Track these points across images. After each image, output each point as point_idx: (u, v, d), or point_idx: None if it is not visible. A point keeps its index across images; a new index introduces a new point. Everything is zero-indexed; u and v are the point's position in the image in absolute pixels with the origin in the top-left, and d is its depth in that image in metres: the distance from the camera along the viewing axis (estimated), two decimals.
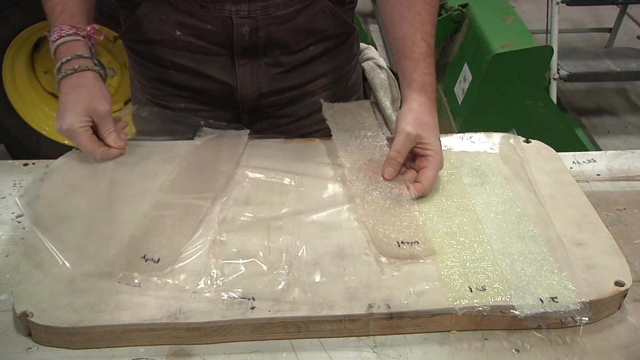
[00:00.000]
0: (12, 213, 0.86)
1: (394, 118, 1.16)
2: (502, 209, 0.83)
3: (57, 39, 0.89)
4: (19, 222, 0.84)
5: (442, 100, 2.49)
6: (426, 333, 0.70)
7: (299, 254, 0.75)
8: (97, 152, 0.88)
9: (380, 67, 1.20)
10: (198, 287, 0.70)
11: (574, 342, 0.70)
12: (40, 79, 2.49)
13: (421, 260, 0.75)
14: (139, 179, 0.87)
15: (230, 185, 0.86)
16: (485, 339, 0.70)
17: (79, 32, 0.90)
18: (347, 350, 0.69)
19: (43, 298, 0.69)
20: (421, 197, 0.84)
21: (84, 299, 0.69)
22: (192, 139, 0.96)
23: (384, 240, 0.77)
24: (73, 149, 0.92)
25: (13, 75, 2.38)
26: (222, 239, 0.77)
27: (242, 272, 0.73)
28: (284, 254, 0.75)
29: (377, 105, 1.20)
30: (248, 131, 0.96)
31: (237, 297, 0.69)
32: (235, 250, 0.76)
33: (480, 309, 0.69)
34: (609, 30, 3.32)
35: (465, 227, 0.80)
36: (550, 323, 0.70)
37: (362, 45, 1.19)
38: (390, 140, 0.89)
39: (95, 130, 0.89)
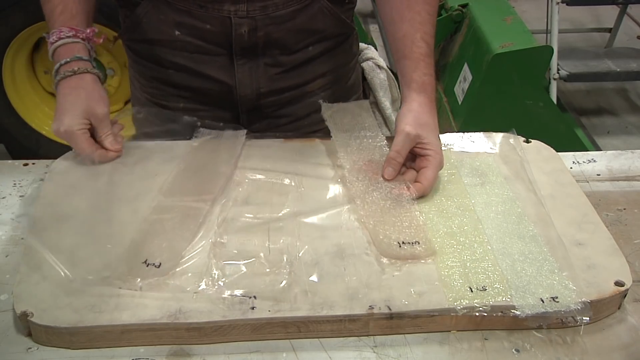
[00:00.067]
0: (12, 213, 0.86)
1: (393, 118, 1.16)
2: (502, 209, 0.83)
3: (56, 41, 0.88)
4: (19, 222, 0.84)
5: (442, 100, 2.49)
6: (426, 333, 0.70)
7: (300, 254, 0.75)
8: (95, 155, 0.88)
9: (379, 67, 1.20)
10: (200, 288, 0.70)
11: (575, 342, 0.70)
12: (40, 79, 2.49)
13: (422, 261, 0.75)
14: (139, 180, 0.87)
15: (230, 186, 0.86)
16: (486, 339, 0.70)
17: (78, 34, 0.89)
18: (347, 350, 0.69)
19: (43, 298, 0.69)
20: (421, 197, 0.84)
21: (84, 299, 0.69)
22: (191, 139, 0.96)
23: (384, 241, 0.77)
24: (73, 149, 0.92)
25: (13, 75, 2.38)
26: (222, 240, 0.77)
27: (243, 272, 0.73)
28: (285, 255, 0.75)
29: (376, 106, 1.20)
30: (245, 131, 0.96)
31: (238, 296, 0.69)
32: (235, 251, 0.76)
33: (480, 309, 0.69)
34: (609, 30, 3.32)
35: (466, 227, 0.80)
36: (551, 323, 0.70)
37: (362, 45, 1.19)
38: (390, 140, 0.89)
39: (92, 132, 0.89)
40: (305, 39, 1.00)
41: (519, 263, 0.74)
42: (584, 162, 1.01)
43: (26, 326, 0.68)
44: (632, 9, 3.31)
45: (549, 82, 2.44)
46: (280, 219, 0.81)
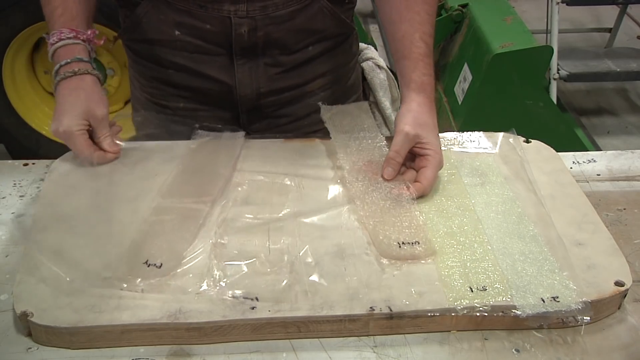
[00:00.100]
0: (12, 213, 0.86)
1: (393, 118, 1.16)
2: (502, 209, 0.83)
3: (57, 42, 0.88)
4: (19, 222, 0.84)
5: (442, 100, 2.49)
6: (426, 333, 0.70)
7: (300, 254, 0.75)
8: (94, 157, 0.88)
9: (379, 67, 1.20)
10: (201, 289, 0.70)
11: (575, 342, 0.70)
12: (40, 79, 2.49)
13: (422, 261, 0.75)
14: (139, 180, 0.87)
15: (230, 187, 0.86)
16: (486, 339, 0.70)
17: (79, 35, 0.89)
18: (347, 350, 0.69)
19: (43, 298, 0.69)
20: (421, 196, 0.84)
21: (84, 299, 0.69)
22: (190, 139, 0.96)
23: (384, 241, 0.77)
24: (71, 150, 0.92)
25: (13, 75, 2.38)
26: (223, 240, 0.77)
27: (243, 272, 0.73)
28: (285, 255, 0.75)
29: (376, 105, 1.20)
30: (244, 133, 0.96)
31: (240, 297, 0.69)
32: (236, 251, 0.76)
33: (481, 309, 0.69)
34: (609, 30, 3.32)
35: (466, 227, 0.80)
36: (552, 323, 0.70)
37: (362, 45, 1.19)
38: (390, 140, 0.89)
39: (90, 134, 0.89)
40: (305, 39, 1.00)
41: (520, 263, 0.74)
42: (584, 162, 1.01)
43: (26, 326, 0.68)
44: (632, 9, 3.31)
45: (549, 82, 2.44)
46: (281, 219, 0.81)
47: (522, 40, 2.16)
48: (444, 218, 0.81)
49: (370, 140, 0.93)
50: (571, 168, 0.99)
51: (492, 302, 0.69)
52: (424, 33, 0.89)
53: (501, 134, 0.99)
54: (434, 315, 0.69)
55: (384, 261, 0.75)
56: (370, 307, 0.68)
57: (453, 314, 0.69)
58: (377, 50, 1.27)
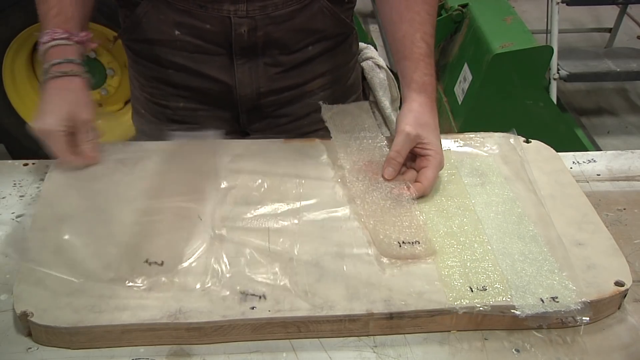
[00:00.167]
0: (12, 213, 0.86)
1: (393, 118, 1.16)
2: (503, 209, 0.83)
3: (49, 41, 0.87)
4: (18, 222, 0.84)
5: (442, 100, 2.49)
6: (426, 333, 0.70)
7: (300, 254, 0.75)
8: (71, 159, 0.86)
9: (379, 66, 1.20)
10: (199, 289, 0.70)
11: (574, 342, 0.70)
12: (41, 79, 2.48)
13: (422, 260, 0.75)
14: (139, 180, 0.87)
15: (220, 185, 0.86)
16: (486, 339, 0.70)
17: (72, 37, 0.88)
18: (347, 350, 0.69)
19: (43, 298, 0.69)
20: (421, 197, 0.84)
21: (84, 299, 0.69)
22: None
23: (384, 240, 0.77)
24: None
25: (13, 75, 2.38)
26: (222, 240, 0.77)
27: (243, 272, 0.73)
28: (285, 254, 0.75)
29: (376, 105, 1.20)
30: (224, 131, 0.94)
31: (238, 296, 0.69)
32: (236, 251, 0.76)
33: (481, 309, 0.69)
34: (609, 30, 3.32)
35: (466, 227, 0.80)
36: (551, 323, 0.70)
37: (362, 44, 1.19)
38: (390, 140, 0.89)
39: (72, 137, 0.86)
40: (305, 38, 1.00)
41: (519, 263, 0.74)
42: (584, 162, 1.01)
43: (26, 326, 0.68)
44: (632, 9, 3.31)
45: (549, 82, 2.44)
46: (280, 219, 0.81)
47: (522, 40, 2.16)
48: (444, 218, 0.81)
49: (370, 140, 0.93)
50: (571, 168, 0.99)
51: (492, 302, 0.69)
52: (425, 33, 0.89)
53: (501, 134, 0.99)
54: (434, 315, 0.69)
55: (384, 260, 0.75)
56: (370, 307, 0.68)
57: (453, 314, 0.69)
58: (377, 50, 1.27)
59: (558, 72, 2.47)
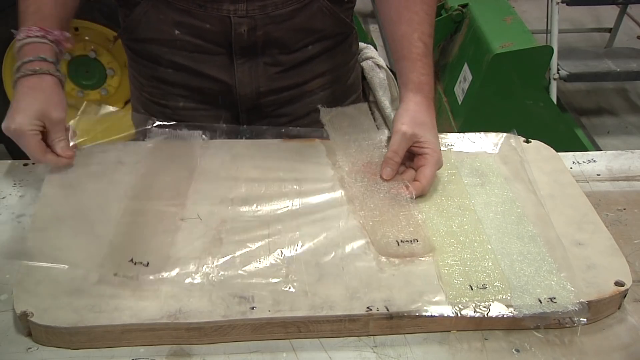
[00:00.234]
0: (12, 213, 0.86)
1: (393, 117, 1.16)
2: (502, 209, 0.83)
3: (24, 38, 0.86)
4: (19, 222, 0.84)
5: (442, 100, 2.49)
6: (426, 333, 0.70)
7: (299, 254, 0.75)
8: (44, 159, 0.85)
9: (379, 66, 1.20)
10: (199, 289, 0.70)
11: (574, 342, 0.70)
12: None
13: (421, 259, 0.75)
14: (140, 179, 0.87)
15: (228, 186, 0.86)
16: (485, 339, 0.70)
17: (47, 35, 0.87)
18: (347, 350, 0.69)
19: (43, 298, 0.69)
20: (420, 195, 0.84)
21: (84, 299, 0.69)
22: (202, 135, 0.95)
23: (382, 239, 0.77)
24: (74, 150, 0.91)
25: (13, 76, 2.38)
26: (221, 240, 0.77)
27: (243, 272, 0.73)
28: (284, 255, 0.75)
29: (376, 105, 1.20)
30: (201, 132, 0.94)
31: (238, 296, 0.69)
32: (235, 251, 0.76)
33: (481, 308, 0.69)
34: (609, 30, 3.32)
35: (466, 227, 0.80)
36: (549, 323, 0.70)
37: (362, 44, 1.19)
38: (389, 141, 0.89)
39: (44, 136, 0.85)
40: (305, 38, 1.00)
41: (518, 263, 0.74)
42: (584, 162, 1.01)
43: (26, 326, 0.68)
44: (632, 9, 3.31)
45: (549, 82, 2.44)
46: (280, 219, 0.81)
47: (522, 40, 2.16)
48: (444, 218, 0.81)
49: (369, 142, 0.93)
50: (571, 168, 0.99)
51: (492, 299, 0.69)
52: (423, 33, 0.89)
53: (501, 134, 0.99)
54: (434, 315, 0.69)
55: (383, 259, 0.75)
56: (370, 307, 0.69)
57: (452, 314, 0.69)
58: (377, 50, 1.27)
59: (558, 72, 2.47)
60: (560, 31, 2.54)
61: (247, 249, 0.76)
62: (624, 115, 3.11)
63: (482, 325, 0.71)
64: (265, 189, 0.86)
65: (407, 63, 0.88)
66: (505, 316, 0.69)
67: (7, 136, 0.84)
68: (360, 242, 0.77)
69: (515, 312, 0.68)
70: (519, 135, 0.98)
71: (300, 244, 0.77)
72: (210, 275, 0.72)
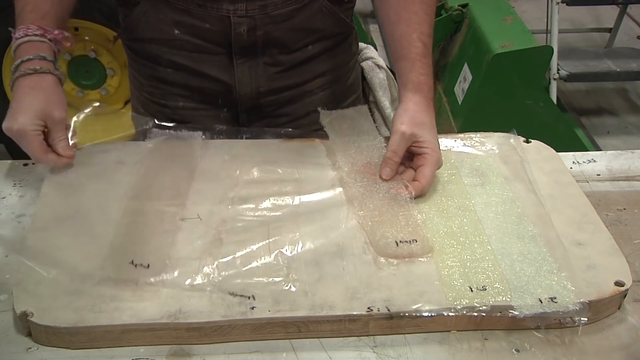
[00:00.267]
0: (12, 213, 0.86)
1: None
2: (502, 209, 0.83)
3: (22, 37, 0.85)
4: (19, 222, 0.84)
5: (442, 100, 2.49)
6: (426, 333, 0.70)
7: (299, 254, 0.75)
8: (46, 159, 0.84)
9: (379, 66, 1.20)
10: (199, 289, 0.70)
11: (574, 342, 0.70)
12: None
13: (420, 259, 0.75)
14: (140, 179, 0.87)
15: (228, 185, 0.86)
16: (485, 339, 0.70)
17: (46, 34, 0.86)
18: (347, 350, 0.69)
19: (43, 298, 0.69)
20: (420, 195, 0.84)
21: (84, 299, 0.69)
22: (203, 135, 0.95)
23: (381, 240, 0.77)
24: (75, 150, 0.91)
25: (11, 75, 2.37)
26: (221, 240, 0.77)
27: (242, 272, 0.73)
28: (284, 254, 0.75)
29: (376, 105, 1.20)
30: (201, 133, 0.94)
31: (238, 296, 0.69)
32: (235, 251, 0.75)
33: (480, 308, 0.69)
34: (609, 30, 3.32)
35: (466, 227, 0.80)
36: (550, 323, 0.70)
37: (361, 44, 1.19)
38: (388, 141, 0.89)
39: (45, 136, 0.85)
40: (305, 38, 1.00)
41: (518, 263, 0.74)
42: (584, 162, 1.01)
43: (26, 326, 0.68)
44: (632, 9, 3.31)
45: (549, 82, 2.44)
46: (280, 219, 0.81)
47: (522, 40, 2.16)
48: (444, 218, 0.81)
49: (369, 143, 0.93)
50: (571, 168, 0.99)
51: (491, 302, 0.69)
52: (422, 33, 0.89)
53: (501, 134, 0.99)
54: (433, 315, 0.69)
55: (383, 260, 0.75)
56: (370, 307, 0.69)
57: (453, 314, 0.69)
58: (377, 50, 1.27)
59: (558, 72, 2.47)
60: (560, 31, 2.54)
61: (247, 249, 0.76)
62: (624, 115, 3.11)
63: (482, 325, 0.71)
64: (265, 189, 0.86)
65: (406, 63, 0.88)
66: (505, 316, 0.69)
67: (7, 136, 0.83)
68: (360, 242, 0.77)
69: (515, 313, 0.68)
70: (519, 135, 0.98)
71: (300, 244, 0.77)
72: (211, 275, 0.72)
